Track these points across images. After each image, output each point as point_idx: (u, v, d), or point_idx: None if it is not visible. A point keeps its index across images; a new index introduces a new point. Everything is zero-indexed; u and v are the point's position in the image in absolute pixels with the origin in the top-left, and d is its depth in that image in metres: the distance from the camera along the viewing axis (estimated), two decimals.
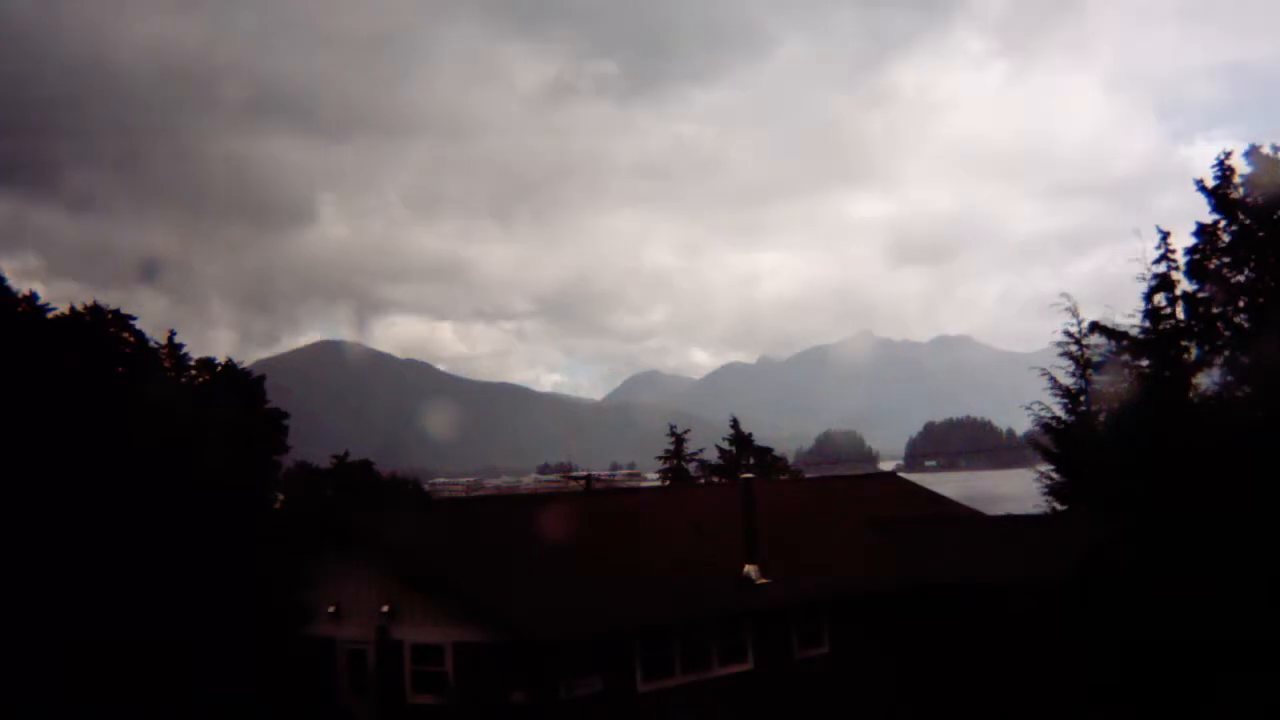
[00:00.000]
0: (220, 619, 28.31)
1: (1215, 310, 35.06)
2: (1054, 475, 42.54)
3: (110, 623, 26.81)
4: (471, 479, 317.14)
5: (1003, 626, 31.39)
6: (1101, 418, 41.37)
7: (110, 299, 42.86)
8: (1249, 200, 34.82)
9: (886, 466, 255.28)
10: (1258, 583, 27.40)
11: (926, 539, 36.44)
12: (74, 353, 32.24)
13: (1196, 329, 35.40)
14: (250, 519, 32.59)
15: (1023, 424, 58.66)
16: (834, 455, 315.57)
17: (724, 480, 57.62)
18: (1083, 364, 43.23)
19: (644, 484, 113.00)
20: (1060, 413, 42.93)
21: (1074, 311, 43.72)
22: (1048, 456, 43.15)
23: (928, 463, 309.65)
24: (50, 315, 33.11)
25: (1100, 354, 41.60)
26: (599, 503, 41.51)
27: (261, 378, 43.85)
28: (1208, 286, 35.33)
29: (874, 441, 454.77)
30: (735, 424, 68.25)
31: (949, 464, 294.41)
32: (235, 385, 40.63)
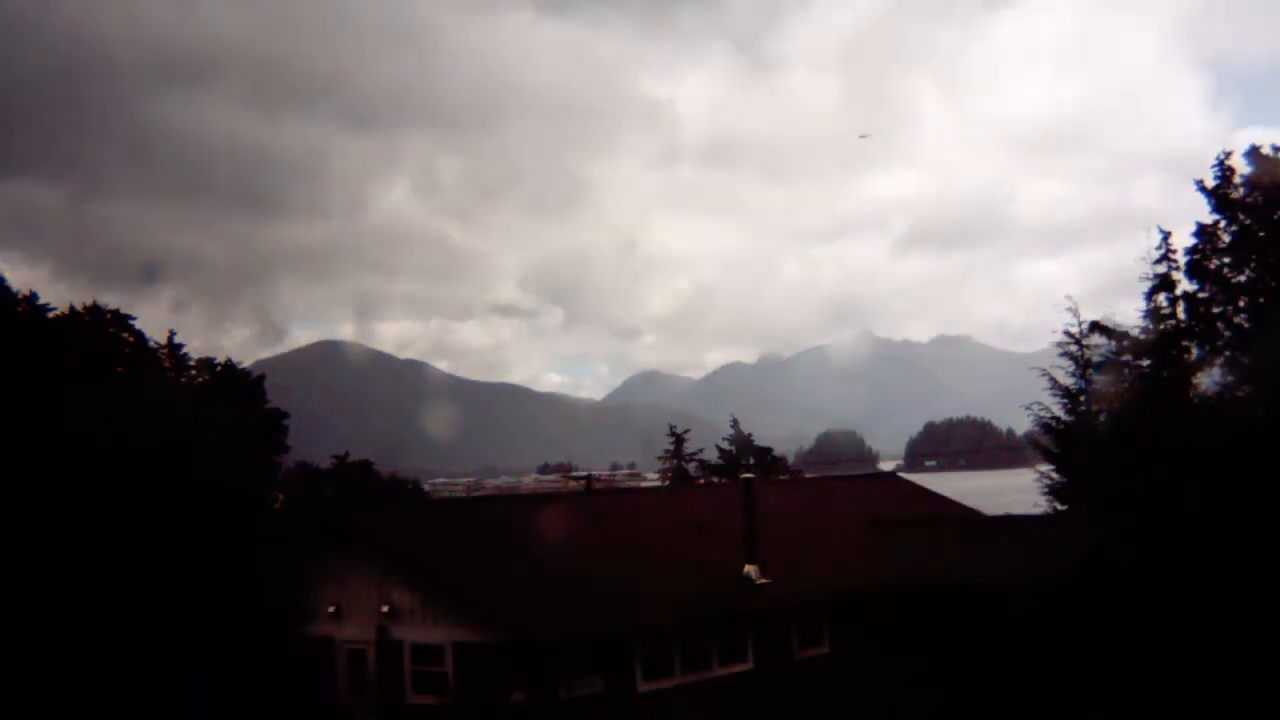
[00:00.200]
0: (220, 619, 28.32)
1: (1215, 310, 35.03)
2: (1054, 475, 42.53)
3: (110, 623, 26.82)
4: (471, 479, 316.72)
5: (1003, 626, 31.38)
6: (1101, 418, 41.37)
7: (110, 299, 42.78)
8: (1249, 200, 34.80)
9: (886, 466, 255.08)
10: (1258, 583, 27.38)
11: (926, 539, 36.46)
12: (74, 353, 32.27)
13: (1196, 329, 35.37)
14: (250, 519, 32.63)
15: (1023, 424, 58.68)
16: (834, 455, 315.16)
17: (724, 480, 57.60)
18: (1083, 364, 43.23)
19: (644, 484, 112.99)
20: (1060, 413, 42.94)
21: (1074, 311, 43.76)
22: (1048, 456, 43.15)
23: (928, 463, 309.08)
24: (50, 315, 33.15)
25: (1100, 354, 41.60)
26: (599, 503, 41.51)
27: (261, 378, 43.89)
28: (1208, 286, 35.29)
29: (874, 441, 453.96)
30: (735, 424, 68.34)
31: (949, 464, 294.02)
32: (235, 385, 40.67)
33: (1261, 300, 34.04)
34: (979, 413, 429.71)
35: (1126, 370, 38.12)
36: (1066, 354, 43.69)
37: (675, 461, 69.79)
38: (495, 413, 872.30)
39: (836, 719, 31.49)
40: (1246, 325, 34.17)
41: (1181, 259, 35.88)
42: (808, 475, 76.86)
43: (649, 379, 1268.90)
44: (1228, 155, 35.30)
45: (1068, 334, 43.67)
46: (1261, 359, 32.12)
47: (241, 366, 42.44)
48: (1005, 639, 31.07)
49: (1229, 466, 29.04)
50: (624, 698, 28.55)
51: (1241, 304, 34.79)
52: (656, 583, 30.87)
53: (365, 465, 58.32)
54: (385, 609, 29.99)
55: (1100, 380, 41.88)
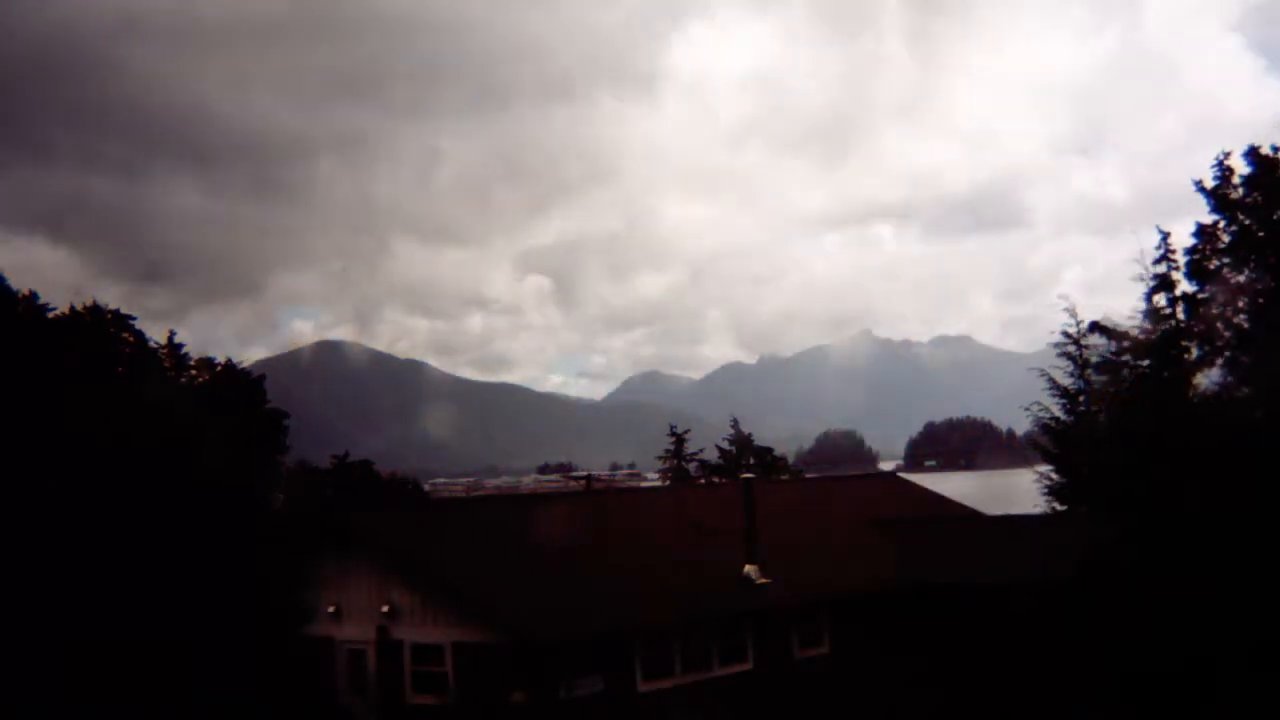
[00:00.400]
0: (220, 619, 28.31)
1: (1215, 310, 35.04)
2: (1054, 476, 42.50)
3: (110, 623, 26.81)
4: (471, 479, 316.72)
5: (1003, 627, 31.38)
6: (1101, 418, 41.34)
7: (109, 298, 42.80)
8: (1249, 200, 34.81)
9: (886, 466, 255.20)
10: (1258, 583, 27.37)
11: (926, 539, 36.45)
12: (74, 353, 32.28)
13: (1196, 329, 35.37)
14: (250, 519, 32.61)
15: (1023, 424, 58.58)
16: (834, 455, 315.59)
17: (724, 480, 57.62)
18: (1081, 364, 43.21)
19: (644, 484, 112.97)
20: (1059, 413, 42.92)
21: (1072, 312, 43.73)
22: (1047, 457, 43.10)
23: (928, 463, 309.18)
24: (50, 315, 33.16)
25: (1100, 354, 41.57)
26: (599, 503, 41.51)
27: (261, 378, 44.01)
28: (1208, 287, 35.30)
29: (874, 441, 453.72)
30: (735, 424, 68.37)
31: (949, 464, 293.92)
32: (235, 385, 40.74)
33: (1261, 300, 34.03)
34: (979, 413, 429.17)
35: (1126, 370, 38.10)
36: (1065, 354, 43.68)
37: (675, 461, 69.81)
38: (495, 413, 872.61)
39: (836, 719, 31.51)
40: (1246, 325, 34.18)
41: (1181, 259, 35.93)
42: (808, 475, 76.83)
43: (649, 379, 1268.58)
44: (1227, 155, 35.34)
45: (1066, 334, 43.67)
46: (1261, 359, 32.12)
47: (241, 366, 42.50)
48: (1005, 639, 31.07)
49: (1229, 466, 29.00)
50: (624, 698, 28.55)
51: (1241, 304, 34.79)
52: (656, 583, 30.86)
53: (365, 465, 58.50)
54: (385, 609, 29.99)
55: (1100, 380, 41.86)
